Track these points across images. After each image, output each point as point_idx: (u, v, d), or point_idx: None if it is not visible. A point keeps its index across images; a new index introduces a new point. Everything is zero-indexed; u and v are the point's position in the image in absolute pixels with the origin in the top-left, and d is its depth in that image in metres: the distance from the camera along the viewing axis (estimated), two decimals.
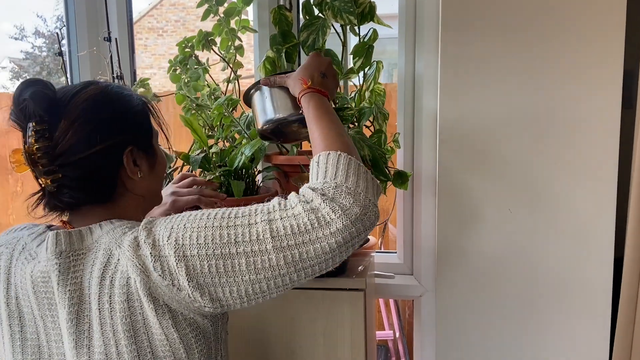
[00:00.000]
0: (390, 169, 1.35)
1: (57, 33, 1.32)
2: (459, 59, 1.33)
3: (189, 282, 0.70)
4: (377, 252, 1.65)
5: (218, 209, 0.75)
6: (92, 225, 0.77)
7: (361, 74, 1.36)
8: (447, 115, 1.36)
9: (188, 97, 1.37)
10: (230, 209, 0.74)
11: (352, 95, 1.39)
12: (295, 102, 1.02)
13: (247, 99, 1.16)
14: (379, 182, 0.79)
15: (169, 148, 1.04)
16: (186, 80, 1.39)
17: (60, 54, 1.34)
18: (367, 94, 1.37)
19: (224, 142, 1.35)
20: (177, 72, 1.40)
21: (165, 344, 0.73)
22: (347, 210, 0.70)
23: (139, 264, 0.70)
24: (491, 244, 1.37)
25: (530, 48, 1.29)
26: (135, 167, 0.81)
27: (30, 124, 0.74)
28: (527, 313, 1.37)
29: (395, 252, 1.62)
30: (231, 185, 1.19)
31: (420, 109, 1.46)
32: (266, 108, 1.10)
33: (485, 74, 1.32)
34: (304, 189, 0.73)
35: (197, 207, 1.16)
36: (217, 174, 1.24)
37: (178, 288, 0.70)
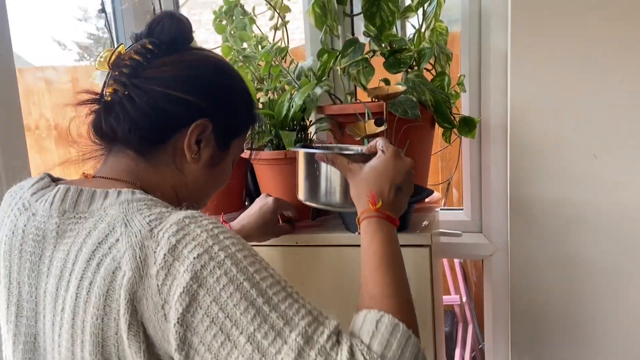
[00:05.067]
0: (454, 115, 1.23)
1: None
2: None
3: (178, 321, 0.55)
4: (441, 209, 1.53)
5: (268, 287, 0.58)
6: (110, 189, 0.65)
7: (420, 11, 1.23)
8: (519, 54, 1.20)
9: (234, 48, 1.29)
10: (288, 298, 0.58)
11: (411, 36, 1.26)
12: (347, 191, 0.85)
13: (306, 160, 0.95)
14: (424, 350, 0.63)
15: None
16: (232, 32, 1.31)
17: (103, 10, 1.30)
18: (427, 34, 1.24)
19: (273, 93, 1.27)
20: (223, 23, 1.32)
21: None
22: None
23: (140, 255, 0.56)
24: (572, 195, 1.22)
25: None
26: (195, 146, 0.71)
27: (149, 39, 0.72)
28: (614, 275, 1.23)
29: (462, 209, 1.50)
30: (281, 137, 1.11)
31: (487, 48, 1.31)
32: (312, 183, 0.92)
33: (568, 3, 1.15)
34: (357, 349, 0.58)
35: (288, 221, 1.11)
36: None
37: (165, 316, 0.55)
